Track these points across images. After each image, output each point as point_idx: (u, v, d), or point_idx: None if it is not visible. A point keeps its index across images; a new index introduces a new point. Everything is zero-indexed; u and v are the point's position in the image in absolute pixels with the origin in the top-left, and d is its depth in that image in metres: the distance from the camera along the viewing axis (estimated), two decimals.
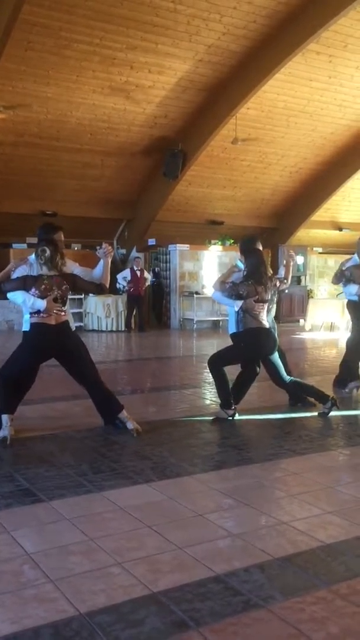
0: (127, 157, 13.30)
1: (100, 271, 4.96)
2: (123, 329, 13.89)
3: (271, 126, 13.35)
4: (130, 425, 4.87)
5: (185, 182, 13.89)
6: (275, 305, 5.86)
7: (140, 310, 14.08)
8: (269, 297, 5.39)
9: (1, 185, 12.53)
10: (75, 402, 6.21)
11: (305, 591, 2.46)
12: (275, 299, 5.72)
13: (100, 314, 13.81)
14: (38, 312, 4.65)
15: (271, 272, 5.59)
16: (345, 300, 7.35)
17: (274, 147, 14.08)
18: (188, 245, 14.82)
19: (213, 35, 10.46)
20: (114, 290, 14.65)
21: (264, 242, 15.59)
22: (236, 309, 5.31)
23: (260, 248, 5.65)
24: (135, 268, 13.89)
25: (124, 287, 14.06)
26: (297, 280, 16.99)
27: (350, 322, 7.31)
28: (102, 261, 4.95)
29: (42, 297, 4.60)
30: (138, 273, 13.84)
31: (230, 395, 5.39)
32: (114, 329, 13.81)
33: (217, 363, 5.42)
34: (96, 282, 4.92)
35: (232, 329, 5.57)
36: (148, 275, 14.29)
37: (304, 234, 17.01)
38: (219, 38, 10.56)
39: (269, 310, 5.52)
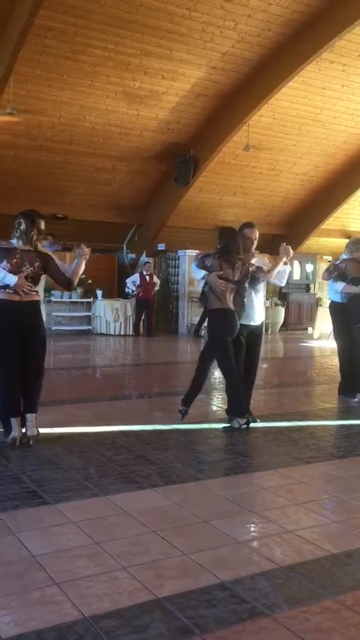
0: (138, 162, 13.35)
1: (72, 268, 4.83)
2: (131, 333, 13.89)
3: (283, 134, 13.36)
4: (30, 432, 4.59)
5: (196, 188, 13.91)
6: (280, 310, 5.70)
7: (148, 315, 14.09)
8: (237, 278, 5.23)
9: (13, 188, 12.59)
10: (82, 405, 6.22)
11: (311, 601, 2.44)
12: (254, 289, 5.45)
13: (109, 317, 13.83)
14: (6, 287, 4.50)
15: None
16: (328, 303, 7.16)
17: (286, 154, 14.09)
18: (198, 251, 14.81)
19: (227, 43, 10.50)
20: (122, 294, 14.70)
21: (274, 249, 15.62)
22: (198, 277, 5.33)
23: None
24: (144, 273, 13.92)
25: (132, 291, 14.09)
26: (306, 288, 16.99)
27: (333, 329, 7.09)
28: (76, 260, 4.84)
29: (13, 272, 4.47)
30: (147, 278, 13.87)
31: (244, 402, 5.34)
32: (122, 333, 13.82)
33: (223, 362, 5.31)
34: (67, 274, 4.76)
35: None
36: (157, 280, 14.33)
37: (313, 241, 17.00)
38: (233, 45, 10.59)
39: (265, 297, 5.41)
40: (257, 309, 5.51)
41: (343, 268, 6.48)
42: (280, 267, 5.44)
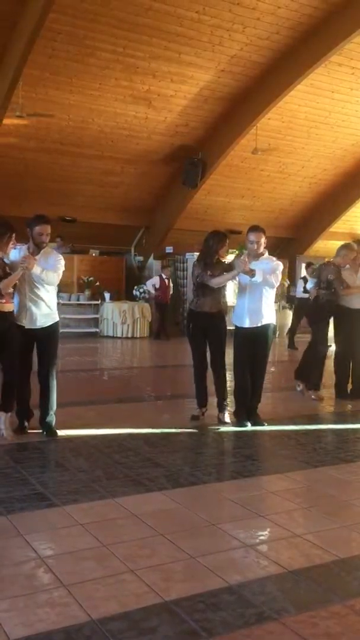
0: (147, 164, 13.37)
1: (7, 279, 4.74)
2: (138, 335, 13.86)
3: (292, 137, 13.35)
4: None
5: (204, 191, 13.92)
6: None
7: (163, 318, 14.07)
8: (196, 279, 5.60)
9: (22, 190, 12.63)
10: (89, 407, 6.23)
11: (319, 605, 2.43)
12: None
13: (116, 320, 13.84)
14: None
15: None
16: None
17: (294, 157, 14.08)
18: None
19: (236, 46, 10.50)
20: (130, 296, 14.70)
21: (282, 252, 15.64)
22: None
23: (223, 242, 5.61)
24: (163, 276, 13.91)
25: (143, 293, 14.07)
26: None
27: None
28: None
29: None
30: (166, 281, 13.88)
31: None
32: (130, 335, 13.83)
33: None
34: None
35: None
36: (171, 284, 14.34)
37: (321, 245, 16.95)
38: (242, 48, 10.60)
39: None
40: (251, 311, 5.41)
41: (309, 273, 6.81)
42: (239, 276, 5.35)
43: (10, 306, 4.76)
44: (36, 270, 4.73)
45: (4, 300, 4.68)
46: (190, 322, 5.75)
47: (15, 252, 4.87)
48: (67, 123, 11.64)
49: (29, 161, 12.28)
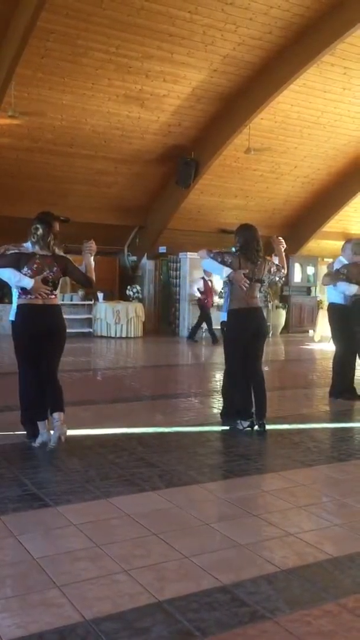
0: (140, 164, 13.36)
1: (83, 267, 4.86)
2: (132, 335, 13.85)
3: (284, 137, 13.37)
4: (60, 431, 4.44)
5: (197, 190, 13.92)
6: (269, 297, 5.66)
7: (209, 323, 13.21)
8: (262, 277, 5.24)
9: (16, 191, 12.60)
10: (83, 407, 6.22)
11: (312, 604, 2.44)
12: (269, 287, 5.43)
13: (110, 320, 13.84)
14: (26, 292, 4.52)
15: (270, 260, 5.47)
16: (326, 305, 7.19)
17: (287, 157, 14.10)
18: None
19: (228, 46, 10.51)
20: (124, 296, 14.70)
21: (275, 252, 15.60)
22: (223, 276, 5.23)
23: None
24: (206, 278, 13.11)
25: (134, 293, 14.05)
26: (307, 290, 17.00)
27: (331, 331, 7.08)
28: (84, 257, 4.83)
29: (32, 276, 4.49)
30: (209, 283, 13.19)
31: (248, 404, 5.31)
32: (124, 335, 13.82)
33: (226, 369, 5.44)
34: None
35: (223, 316, 5.54)
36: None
37: (314, 244, 16.99)
38: (234, 48, 10.60)
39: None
40: None
41: (345, 273, 6.47)
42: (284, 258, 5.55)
43: (57, 300, 4.70)
44: (92, 258, 4.83)
45: (53, 296, 4.61)
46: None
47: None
48: (60, 123, 11.62)
49: (22, 161, 12.26)
